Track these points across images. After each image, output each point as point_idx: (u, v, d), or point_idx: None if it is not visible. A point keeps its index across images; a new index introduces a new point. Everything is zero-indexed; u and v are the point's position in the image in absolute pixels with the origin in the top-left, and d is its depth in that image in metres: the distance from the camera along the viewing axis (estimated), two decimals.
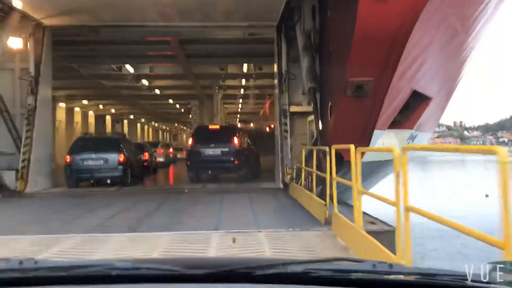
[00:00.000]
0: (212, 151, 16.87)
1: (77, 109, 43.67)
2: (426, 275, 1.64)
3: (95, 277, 1.61)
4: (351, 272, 1.64)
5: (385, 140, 12.01)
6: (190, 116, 39.49)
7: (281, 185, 14.41)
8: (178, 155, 37.51)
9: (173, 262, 1.72)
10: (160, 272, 1.62)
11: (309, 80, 12.47)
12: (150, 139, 74.91)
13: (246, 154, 18.08)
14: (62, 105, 39.80)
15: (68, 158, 15.55)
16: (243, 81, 29.24)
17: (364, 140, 11.49)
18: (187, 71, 24.11)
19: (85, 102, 39.56)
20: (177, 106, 43.71)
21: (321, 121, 12.42)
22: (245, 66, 24.21)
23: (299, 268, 1.65)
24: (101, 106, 44.62)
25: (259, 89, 32.15)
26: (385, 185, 10.78)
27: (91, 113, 48.06)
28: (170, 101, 39.90)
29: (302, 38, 13.16)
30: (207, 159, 16.78)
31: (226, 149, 16.83)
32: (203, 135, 17.86)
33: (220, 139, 17.18)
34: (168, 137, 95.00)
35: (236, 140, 17.21)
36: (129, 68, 24.03)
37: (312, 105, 12.48)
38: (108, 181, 15.79)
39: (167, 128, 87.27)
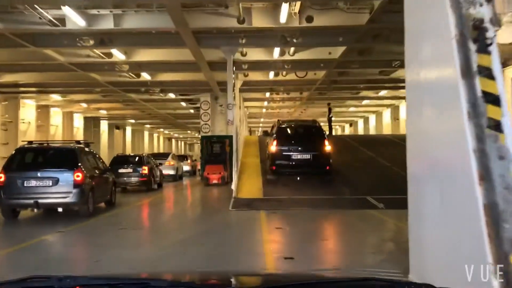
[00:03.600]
0: (300, 155, 15.86)
1: (55, 109, 33.53)
2: None
3: None
4: None
5: None
6: (201, 117, 28.51)
7: None
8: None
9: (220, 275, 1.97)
10: None
11: None
12: (161, 149, 65.08)
13: (330, 154, 16.32)
14: (30, 102, 29.74)
15: (1, 177, 11.93)
16: (276, 53, 18.20)
17: None
18: (179, 23, 13.23)
19: (56, 97, 29.00)
20: (183, 104, 32.93)
21: None
22: (283, 10, 13.17)
23: None
24: (84, 104, 34.10)
25: (299, 70, 21.22)
26: None
27: (78, 115, 38.01)
28: (171, 95, 29.09)
29: None
30: (294, 164, 15.82)
31: (316, 153, 15.85)
32: (287, 135, 16.71)
33: (308, 139, 16.20)
34: (183, 147, 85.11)
35: (326, 142, 16.04)
36: (75, 17, 13.20)
37: None
38: (59, 209, 12.22)
39: (181, 137, 76.73)
